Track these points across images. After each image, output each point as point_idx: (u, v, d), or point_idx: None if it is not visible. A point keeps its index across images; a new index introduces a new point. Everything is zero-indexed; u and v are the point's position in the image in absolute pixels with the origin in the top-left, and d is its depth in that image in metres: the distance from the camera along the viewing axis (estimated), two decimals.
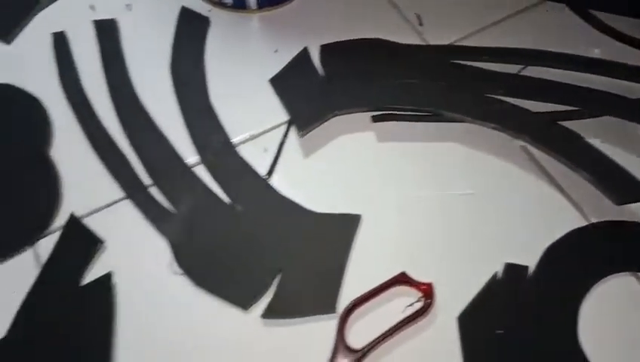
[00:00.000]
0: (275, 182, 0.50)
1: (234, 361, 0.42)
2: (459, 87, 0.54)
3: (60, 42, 0.59)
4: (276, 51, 0.58)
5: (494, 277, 0.45)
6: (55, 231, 0.47)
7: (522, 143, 0.52)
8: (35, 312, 0.43)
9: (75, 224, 0.47)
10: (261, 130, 0.53)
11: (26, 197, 0.49)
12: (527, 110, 0.52)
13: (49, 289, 0.44)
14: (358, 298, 0.44)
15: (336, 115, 0.52)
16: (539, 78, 0.55)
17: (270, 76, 0.56)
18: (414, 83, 0.54)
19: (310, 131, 0.51)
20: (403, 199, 0.49)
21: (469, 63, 0.56)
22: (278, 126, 0.54)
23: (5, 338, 0.42)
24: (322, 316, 0.44)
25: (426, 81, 0.54)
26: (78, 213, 0.48)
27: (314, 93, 0.54)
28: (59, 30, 0.60)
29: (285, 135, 0.53)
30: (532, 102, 0.53)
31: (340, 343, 0.42)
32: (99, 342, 0.42)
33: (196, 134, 0.52)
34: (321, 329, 0.43)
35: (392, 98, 0.53)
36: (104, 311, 0.43)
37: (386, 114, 0.53)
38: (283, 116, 0.54)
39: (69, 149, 0.52)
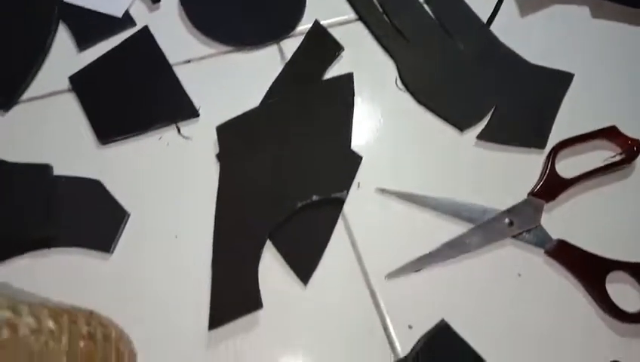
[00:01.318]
0: (494, 31, 0.54)
1: (444, 167, 0.48)
2: None
3: None
4: None
5: None
6: (298, 35, 0.53)
7: None
8: (281, 95, 0.50)
9: (319, 29, 0.52)
10: None
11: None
12: None
13: (293, 79, 0.50)
14: (567, 139, 0.48)
15: None
16: None
17: None
18: None
19: None
20: (615, 69, 0.52)
21: None
22: None
23: (257, 107, 0.49)
24: (530, 150, 0.48)
25: None
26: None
27: None
28: None
29: None
30: None
31: (550, 170, 0.46)
32: (342, 130, 0.48)
33: None
34: (528, 160, 0.48)
35: None
36: (346, 103, 0.49)
37: None
38: None
39: None
